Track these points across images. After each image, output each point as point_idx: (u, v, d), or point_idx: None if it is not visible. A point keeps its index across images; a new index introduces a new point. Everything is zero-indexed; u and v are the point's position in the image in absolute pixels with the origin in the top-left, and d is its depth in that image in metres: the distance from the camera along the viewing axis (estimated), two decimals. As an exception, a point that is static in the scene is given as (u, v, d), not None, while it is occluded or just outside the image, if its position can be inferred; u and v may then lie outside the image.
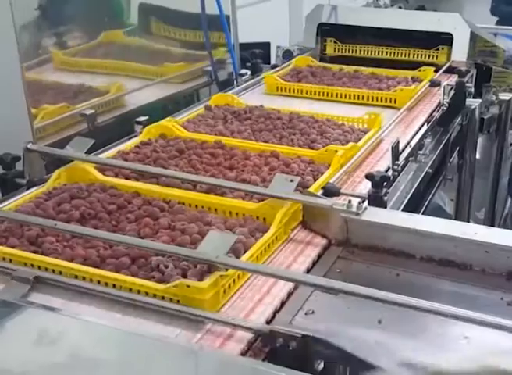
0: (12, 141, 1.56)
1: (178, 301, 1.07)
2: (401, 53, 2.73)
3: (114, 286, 1.11)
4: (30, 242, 1.24)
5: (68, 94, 1.96)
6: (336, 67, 2.52)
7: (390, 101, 2.19)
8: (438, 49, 2.68)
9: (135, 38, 2.26)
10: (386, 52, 2.76)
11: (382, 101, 2.21)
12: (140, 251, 1.17)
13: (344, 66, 2.52)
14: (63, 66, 1.96)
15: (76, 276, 1.14)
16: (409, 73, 2.42)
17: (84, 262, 1.17)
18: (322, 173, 1.56)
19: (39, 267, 1.16)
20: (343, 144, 1.73)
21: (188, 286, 1.06)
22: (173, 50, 2.46)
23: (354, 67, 2.50)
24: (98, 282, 1.13)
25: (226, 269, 1.10)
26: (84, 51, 2.03)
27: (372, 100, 2.21)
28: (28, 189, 1.49)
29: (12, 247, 1.21)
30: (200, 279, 1.09)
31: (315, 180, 1.52)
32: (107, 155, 1.66)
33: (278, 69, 2.50)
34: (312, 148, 1.73)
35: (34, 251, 1.20)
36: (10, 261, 1.18)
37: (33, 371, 0.82)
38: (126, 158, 1.62)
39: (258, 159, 1.64)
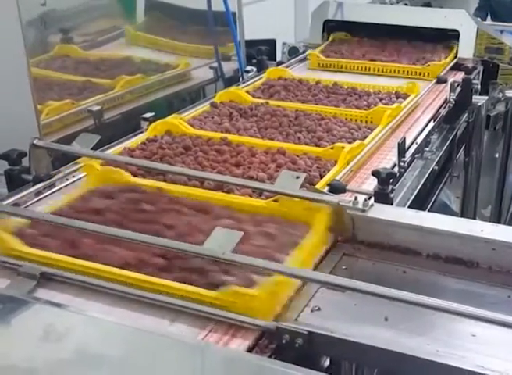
0: (18, 136, 1.56)
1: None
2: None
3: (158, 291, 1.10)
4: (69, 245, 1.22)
5: (73, 91, 1.96)
6: (312, 80, 2.31)
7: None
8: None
9: (141, 34, 2.26)
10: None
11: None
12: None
13: (323, 79, 2.32)
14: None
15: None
16: (394, 87, 2.22)
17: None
18: (329, 170, 1.55)
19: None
20: (349, 142, 1.72)
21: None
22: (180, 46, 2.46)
23: (334, 80, 2.29)
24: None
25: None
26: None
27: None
28: (34, 185, 1.49)
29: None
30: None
31: (321, 177, 1.51)
32: (113, 151, 1.66)
33: (246, 84, 2.29)
34: (319, 146, 1.72)
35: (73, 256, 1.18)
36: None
37: (39, 367, 0.82)
38: (132, 154, 1.62)
39: (265, 156, 1.63)
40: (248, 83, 2.31)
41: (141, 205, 1.36)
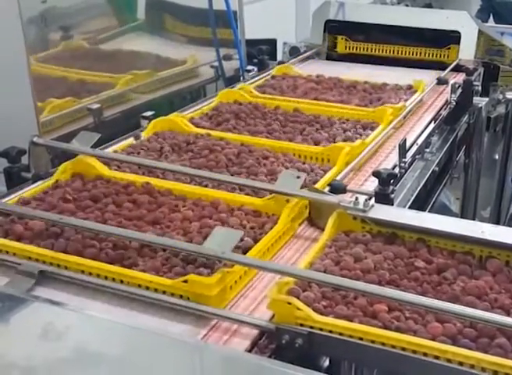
0: (18, 134, 1.56)
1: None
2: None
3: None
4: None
5: (74, 89, 1.95)
6: (271, 104, 1.98)
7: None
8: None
9: (142, 33, 2.26)
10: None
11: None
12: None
13: (283, 103, 2.00)
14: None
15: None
16: (362, 113, 1.93)
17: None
18: (266, 233, 1.26)
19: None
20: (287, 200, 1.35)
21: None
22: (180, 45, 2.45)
23: (295, 104, 1.99)
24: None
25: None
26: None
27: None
28: (34, 183, 1.48)
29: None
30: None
31: (256, 242, 1.23)
32: (113, 149, 1.65)
33: (196, 108, 1.98)
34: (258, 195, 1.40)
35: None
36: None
37: (38, 365, 0.81)
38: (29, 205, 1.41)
39: (192, 210, 1.33)
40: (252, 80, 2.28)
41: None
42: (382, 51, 2.77)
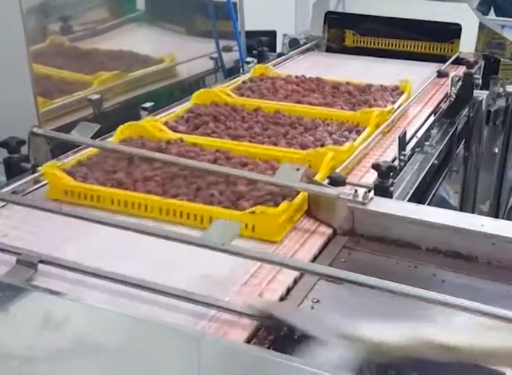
0: (17, 124, 1.56)
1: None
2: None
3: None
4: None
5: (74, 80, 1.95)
6: (250, 105, 1.87)
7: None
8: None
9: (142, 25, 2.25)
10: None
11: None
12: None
13: (263, 104, 1.88)
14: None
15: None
16: (349, 115, 1.82)
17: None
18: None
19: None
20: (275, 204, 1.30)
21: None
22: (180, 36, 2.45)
23: (277, 106, 1.87)
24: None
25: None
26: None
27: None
28: (33, 173, 1.48)
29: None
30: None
31: None
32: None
33: (166, 113, 1.83)
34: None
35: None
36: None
37: (37, 355, 0.81)
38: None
39: None
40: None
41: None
42: (382, 44, 2.77)
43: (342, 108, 1.90)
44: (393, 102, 1.98)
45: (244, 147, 1.57)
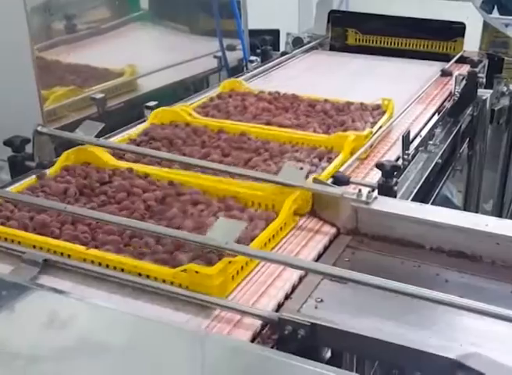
0: (22, 123, 1.56)
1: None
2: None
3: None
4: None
5: (79, 78, 1.95)
6: (213, 126, 1.71)
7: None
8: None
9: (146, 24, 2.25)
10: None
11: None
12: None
13: (228, 125, 1.72)
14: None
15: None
16: (321, 139, 1.64)
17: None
18: None
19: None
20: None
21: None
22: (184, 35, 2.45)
23: (242, 127, 1.71)
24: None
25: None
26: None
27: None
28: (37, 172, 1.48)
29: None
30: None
31: None
32: (117, 139, 1.65)
33: (120, 135, 1.69)
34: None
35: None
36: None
37: (43, 354, 0.82)
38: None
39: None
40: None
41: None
42: (386, 43, 2.77)
43: (315, 131, 1.71)
44: (373, 124, 1.77)
45: (198, 179, 1.40)
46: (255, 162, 1.53)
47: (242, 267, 1.13)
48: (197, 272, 1.06)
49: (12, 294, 0.91)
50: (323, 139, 1.65)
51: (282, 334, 1.00)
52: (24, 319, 0.88)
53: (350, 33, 2.83)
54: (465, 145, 2.42)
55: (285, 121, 1.78)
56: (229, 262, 1.08)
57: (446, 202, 2.56)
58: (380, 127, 1.76)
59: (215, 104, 1.92)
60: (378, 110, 1.90)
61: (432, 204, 1.90)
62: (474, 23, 2.63)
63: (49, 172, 1.45)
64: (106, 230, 1.22)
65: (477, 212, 2.72)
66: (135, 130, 1.72)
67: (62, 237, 1.19)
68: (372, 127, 1.74)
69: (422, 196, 1.72)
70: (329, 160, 1.54)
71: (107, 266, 1.13)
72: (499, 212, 3.05)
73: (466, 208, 2.67)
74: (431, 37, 2.70)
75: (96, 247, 1.17)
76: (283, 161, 1.50)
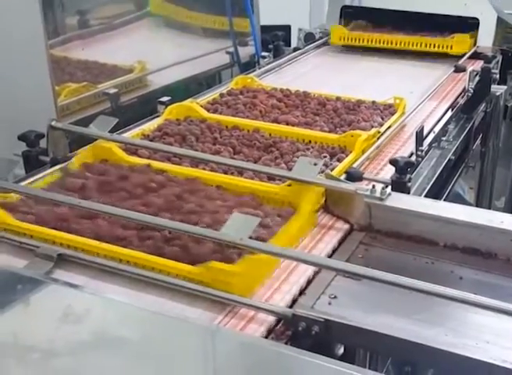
0: (36, 118, 1.57)
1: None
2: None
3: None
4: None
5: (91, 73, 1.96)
6: (226, 122, 1.70)
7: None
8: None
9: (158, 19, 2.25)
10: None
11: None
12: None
13: (241, 122, 1.71)
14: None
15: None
16: (331, 140, 1.62)
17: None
18: None
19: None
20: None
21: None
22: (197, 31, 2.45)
23: (257, 124, 1.69)
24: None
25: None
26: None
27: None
28: (52, 167, 1.49)
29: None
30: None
31: None
32: (131, 134, 1.65)
33: (133, 130, 1.69)
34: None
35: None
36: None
37: (58, 348, 0.82)
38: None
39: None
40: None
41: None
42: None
43: (322, 130, 1.70)
44: (381, 124, 1.75)
45: (213, 176, 1.41)
46: (264, 162, 1.51)
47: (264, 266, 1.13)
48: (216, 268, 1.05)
49: (27, 289, 0.92)
50: (334, 138, 1.64)
51: (295, 330, 1.00)
52: (39, 314, 0.89)
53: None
54: (478, 142, 2.41)
55: (292, 119, 1.76)
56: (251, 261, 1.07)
57: (458, 199, 2.55)
58: (389, 127, 1.74)
59: (225, 100, 1.91)
60: (389, 109, 1.88)
61: (444, 201, 1.89)
62: (488, 18, 2.61)
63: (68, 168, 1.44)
64: (124, 224, 1.22)
65: (489, 209, 2.70)
66: (148, 126, 1.71)
67: (79, 233, 1.19)
68: (381, 127, 1.73)
69: (435, 193, 1.71)
70: (339, 160, 1.53)
71: (127, 262, 1.12)
72: (510, 209, 3.03)
73: (478, 205, 2.65)
74: (444, 33, 2.68)
75: (113, 241, 1.17)
76: (294, 160, 1.48)
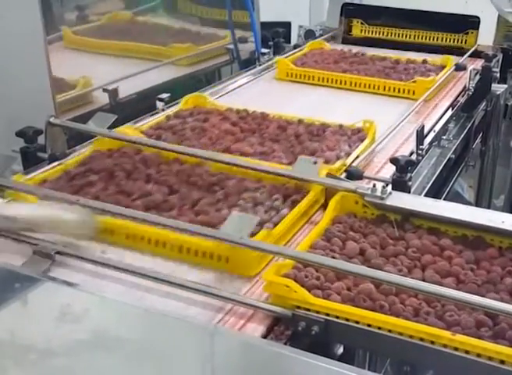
0: (34, 114, 1.55)
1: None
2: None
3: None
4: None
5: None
6: (167, 153, 1.45)
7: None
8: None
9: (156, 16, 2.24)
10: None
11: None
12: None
13: (183, 154, 1.44)
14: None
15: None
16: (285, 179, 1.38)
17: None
18: None
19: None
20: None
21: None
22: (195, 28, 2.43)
23: (196, 156, 1.44)
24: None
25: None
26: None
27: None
28: (50, 163, 1.48)
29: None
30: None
31: None
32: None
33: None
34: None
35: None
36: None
37: (56, 348, 0.81)
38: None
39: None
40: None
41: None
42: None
43: (280, 162, 1.46)
44: (348, 154, 1.51)
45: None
46: (202, 207, 1.27)
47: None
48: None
49: (25, 287, 0.91)
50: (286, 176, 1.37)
51: (295, 330, 0.99)
52: (37, 312, 0.88)
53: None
54: (478, 140, 2.40)
55: (245, 148, 1.52)
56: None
57: (458, 198, 2.54)
58: (357, 157, 1.51)
59: (171, 124, 1.65)
60: (358, 134, 1.63)
61: (444, 199, 1.89)
62: (488, 16, 2.61)
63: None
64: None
65: (489, 207, 2.70)
66: (71, 160, 1.47)
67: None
68: (348, 157, 1.49)
69: (435, 191, 1.71)
70: (294, 203, 1.29)
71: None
72: (509, 208, 3.03)
73: (478, 203, 2.65)
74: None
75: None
76: (239, 203, 1.28)
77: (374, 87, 2.07)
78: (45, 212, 1.15)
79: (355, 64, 2.27)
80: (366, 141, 1.59)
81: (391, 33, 2.75)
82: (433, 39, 2.69)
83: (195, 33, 2.44)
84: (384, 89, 2.06)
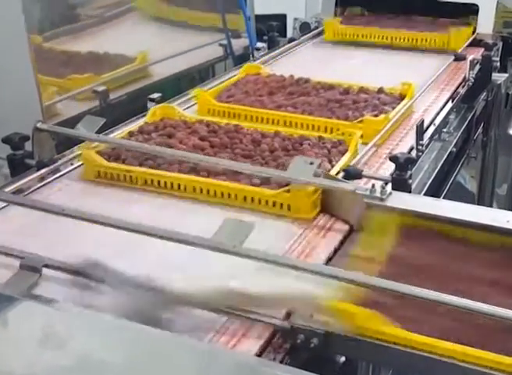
0: (20, 120, 1.51)
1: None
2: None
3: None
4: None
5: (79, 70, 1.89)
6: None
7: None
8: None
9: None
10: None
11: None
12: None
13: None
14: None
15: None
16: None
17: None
18: None
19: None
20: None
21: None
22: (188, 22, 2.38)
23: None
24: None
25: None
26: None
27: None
28: (38, 170, 1.43)
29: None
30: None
31: None
32: (119, 134, 1.59)
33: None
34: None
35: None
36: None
37: (38, 373, 0.77)
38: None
39: None
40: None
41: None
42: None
43: (251, 183, 1.33)
44: (328, 171, 1.35)
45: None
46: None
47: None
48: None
49: (5, 308, 0.86)
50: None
51: (294, 343, 0.95)
52: (18, 335, 0.83)
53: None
54: (479, 131, 2.36)
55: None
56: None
57: (460, 189, 2.50)
58: (338, 172, 1.38)
59: (135, 140, 1.51)
60: (338, 147, 1.48)
61: (446, 191, 1.85)
62: (487, 3, 2.55)
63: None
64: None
65: (492, 197, 2.67)
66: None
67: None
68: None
69: (437, 185, 1.67)
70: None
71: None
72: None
73: (480, 193, 2.62)
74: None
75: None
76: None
77: (309, 128, 1.63)
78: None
79: (295, 95, 1.79)
80: (346, 155, 1.44)
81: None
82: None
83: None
84: (325, 130, 1.60)
